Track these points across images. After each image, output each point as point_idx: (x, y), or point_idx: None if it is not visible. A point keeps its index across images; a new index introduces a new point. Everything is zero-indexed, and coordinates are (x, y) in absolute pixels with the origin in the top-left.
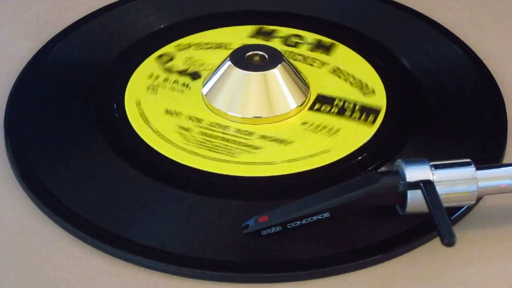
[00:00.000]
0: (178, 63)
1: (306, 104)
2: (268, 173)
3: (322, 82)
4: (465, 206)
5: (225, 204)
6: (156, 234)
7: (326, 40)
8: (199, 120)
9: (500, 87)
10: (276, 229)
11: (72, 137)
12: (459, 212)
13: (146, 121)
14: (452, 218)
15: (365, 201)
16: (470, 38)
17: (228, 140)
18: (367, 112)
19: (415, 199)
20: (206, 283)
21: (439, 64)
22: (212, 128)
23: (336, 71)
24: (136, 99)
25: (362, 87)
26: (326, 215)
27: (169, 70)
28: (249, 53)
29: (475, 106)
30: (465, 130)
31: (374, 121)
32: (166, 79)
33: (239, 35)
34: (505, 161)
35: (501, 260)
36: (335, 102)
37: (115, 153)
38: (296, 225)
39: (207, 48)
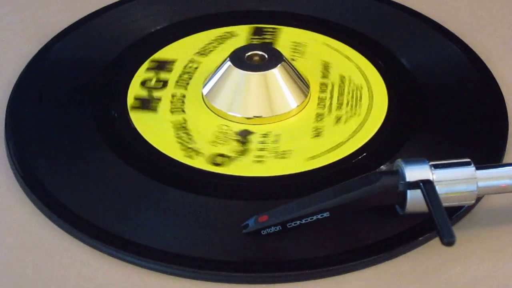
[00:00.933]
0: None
1: (307, 104)
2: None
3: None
4: (465, 206)
5: (225, 204)
6: (156, 234)
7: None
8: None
9: (500, 87)
10: (275, 228)
11: (72, 137)
12: (459, 212)
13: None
14: (452, 218)
15: (364, 200)
16: (470, 38)
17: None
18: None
19: (414, 199)
20: (206, 283)
21: (439, 64)
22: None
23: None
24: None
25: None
26: (325, 214)
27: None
28: (249, 53)
29: (475, 106)
30: (465, 130)
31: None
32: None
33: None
34: (505, 161)
35: (501, 260)
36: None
37: (115, 153)
38: (295, 224)
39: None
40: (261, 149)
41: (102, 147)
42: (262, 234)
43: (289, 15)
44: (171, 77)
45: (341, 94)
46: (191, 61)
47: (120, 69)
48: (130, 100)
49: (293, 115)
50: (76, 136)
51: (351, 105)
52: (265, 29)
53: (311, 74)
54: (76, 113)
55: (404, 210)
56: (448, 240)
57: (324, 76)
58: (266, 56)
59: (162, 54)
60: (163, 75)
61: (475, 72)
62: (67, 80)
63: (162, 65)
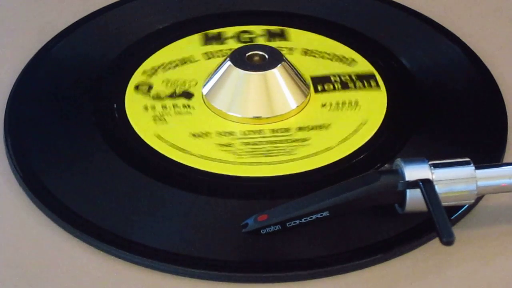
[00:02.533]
0: (161, 88)
1: (307, 104)
2: (314, 166)
3: (305, 66)
4: (466, 206)
5: (225, 204)
6: (156, 234)
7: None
8: (231, 133)
9: (500, 86)
10: (275, 228)
11: (72, 137)
12: (460, 211)
13: (183, 150)
14: (452, 217)
15: (364, 200)
16: (470, 38)
17: (274, 142)
18: (366, 79)
19: (414, 198)
20: (206, 283)
21: (439, 64)
22: (250, 136)
23: (308, 52)
24: (155, 133)
25: (341, 59)
26: (325, 214)
27: (158, 98)
28: (249, 53)
29: (475, 106)
30: (465, 130)
31: (378, 85)
32: (164, 106)
33: (193, 46)
34: (505, 161)
35: (501, 260)
36: (332, 79)
37: (115, 153)
38: (295, 224)
39: (174, 67)
40: (310, 140)
41: (102, 146)
42: (261, 234)
43: (301, 17)
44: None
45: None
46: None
47: (120, 69)
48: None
49: (293, 115)
50: (76, 136)
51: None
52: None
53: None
54: (76, 113)
55: (404, 210)
56: (448, 240)
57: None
58: (266, 56)
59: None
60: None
61: (475, 72)
62: (67, 80)
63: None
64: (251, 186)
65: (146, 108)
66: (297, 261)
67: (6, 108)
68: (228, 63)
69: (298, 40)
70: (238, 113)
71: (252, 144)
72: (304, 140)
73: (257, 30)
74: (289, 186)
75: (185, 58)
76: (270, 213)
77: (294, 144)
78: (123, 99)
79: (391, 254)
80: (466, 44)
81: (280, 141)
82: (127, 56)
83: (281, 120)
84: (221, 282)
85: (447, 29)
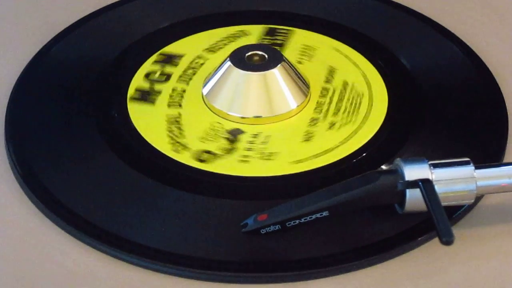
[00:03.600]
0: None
1: (307, 104)
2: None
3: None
4: (466, 206)
5: (225, 204)
6: (156, 234)
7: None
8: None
9: (500, 86)
10: (275, 227)
11: (72, 137)
12: (460, 211)
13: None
14: (452, 217)
15: (364, 199)
16: (470, 38)
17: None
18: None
19: (413, 198)
20: (206, 283)
21: (439, 64)
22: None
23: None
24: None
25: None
26: (325, 213)
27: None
28: (249, 53)
29: (475, 106)
30: (465, 130)
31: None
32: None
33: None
34: (505, 161)
35: (501, 260)
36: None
37: (115, 153)
38: (295, 224)
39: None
40: (248, 149)
41: (102, 146)
42: (261, 233)
43: (302, 17)
44: (176, 71)
45: (340, 100)
46: (198, 57)
47: (120, 69)
48: (131, 91)
49: (293, 116)
50: (76, 136)
51: (348, 112)
52: (278, 30)
53: (315, 78)
54: (76, 113)
55: (403, 210)
56: (447, 239)
57: (328, 81)
58: (266, 56)
59: (172, 48)
60: (168, 69)
61: (475, 72)
62: (67, 80)
63: (169, 59)
64: (251, 186)
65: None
66: (297, 261)
67: (6, 108)
68: (228, 63)
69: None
70: (238, 113)
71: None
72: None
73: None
74: (289, 186)
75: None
76: (270, 212)
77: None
78: (123, 99)
79: (391, 254)
80: (466, 44)
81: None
82: (127, 56)
83: (281, 120)
84: (221, 282)
85: (447, 29)
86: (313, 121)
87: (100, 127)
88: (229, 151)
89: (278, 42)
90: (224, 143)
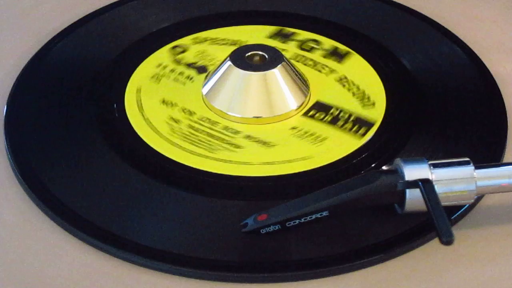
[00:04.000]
0: (190, 55)
1: (306, 105)
2: (243, 173)
3: (325, 90)
4: (465, 206)
5: (225, 204)
6: (156, 234)
7: (342, 47)
8: (191, 113)
9: (500, 86)
10: (275, 227)
11: (72, 137)
12: (460, 211)
13: (140, 108)
14: (452, 217)
15: (364, 199)
16: (470, 38)
17: (212, 136)
18: (360, 124)
19: (413, 198)
20: (206, 283)
21: (439, 64)
22: (201, 122)
23: (342, 80)
24: (138, 86)
25: (364, 98)
26: (325, 213)
27: (178, 62)
28: (249, 53)
29: (475, 106)
30: (465, 130)
31: (364, 134)
32: (172, 70)
33: (256, 35)
34: (505, 161)
35: (501, 260)
36: (331, 111)
37: (115, 153)
38: (295, 223)
39: (222, 44)
40: (242, 149)
41: (102, 146)
42: (261, 233)
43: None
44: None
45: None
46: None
47: (120, 69)
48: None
49: (292, 116)
50: (76, 136)
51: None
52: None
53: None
54: (75, 112)
55: (403, 210)
56: (447, 239)
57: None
58: (266, 56)
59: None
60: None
61: (475, 72)
62: (67, 80)
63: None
64: (251, 186)
65: (159, 65)
66: (297, 261)
67: (6, 108)
68: (228, 63)
69: (348, 66)
70: (238, 113)
71: (194, 129)
72: (237, 147)
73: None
74: (289, 186)
75: (237, 41)
76: (269, 212)
77: (225, 145)
78: (123, 99)
79: (391, 254)
80: (466, 44)
81: (218, 138)
82: (128, 55)
83: (281, 120)
84: (221, 282)
85: (447, 29)
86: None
87: (100, 127)
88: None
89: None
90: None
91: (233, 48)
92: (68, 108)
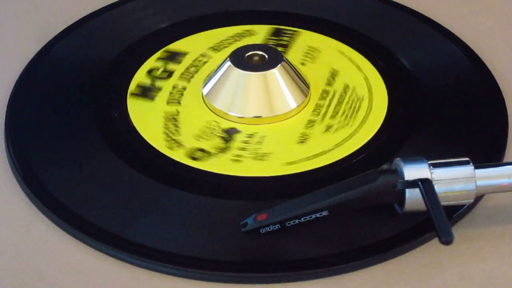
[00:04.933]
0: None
1: (307, 104)
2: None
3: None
4: (466, 206)
5: (225, 204)
6: (156, 234)
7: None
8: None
9: (500, 86)
10: (274, 227)
11: (73, 137)
12: (460, 211)
13: (173, 142)
14: (452, 217)
15: (363, 199)
16: (470, 38)
17: (249, 143)
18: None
19: (413, 198)
20: (205, 283)
21: (439, 64)
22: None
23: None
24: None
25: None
26: (324, 213)
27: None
28: (249, 53)
29: (476, 106)
30: (466, 130)
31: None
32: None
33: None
34: (505, 161)
35: (501, 260)
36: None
37: (115, 153)
38: (294, 223)
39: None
40: (242, 149)
41: (102, 147)
42: (261, 233)
43: (308, 18)
44: (178, 68)
45: (339, 103)
46: (202, 55)
47: (120, 69)
48: (132, 87)
49: (292, 116)
50: (76, 136)
51: (346, 116)
52: (285, 31)
53: (316, 80)
54: (76, 112)
55: (403, 209)
56: (446, 239)
57: (329, 83)
58: (266, 56)
59: (176, 46)
60: (171, 66)
61: (475, 72)
62: (67, 80)
63: (173, 56)
64: (251, 186)
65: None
66: (297, 261)
67: (6, 108)
68: (228, 63)
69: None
70: (238, 113)
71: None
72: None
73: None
74: (289, 186)
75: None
76: (269, 212)
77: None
78: (123, 99)
79: (391, 254)
80: (466, 44)
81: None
82: (128, 55)
83: (281, 121)
84: (221, 282)
85: (447, 29)
86: (310, 123)
87: (100, 127)
88: (223, 150)
89: (283, 43)
90: (219, 142)
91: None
92: (68, 108)
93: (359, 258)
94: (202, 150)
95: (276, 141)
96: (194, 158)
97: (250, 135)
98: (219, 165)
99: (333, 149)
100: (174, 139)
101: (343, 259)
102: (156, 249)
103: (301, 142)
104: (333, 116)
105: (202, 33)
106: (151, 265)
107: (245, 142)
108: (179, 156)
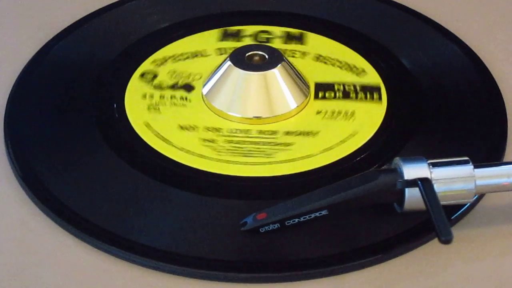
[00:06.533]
0: (164, 78)
1: (307, 104)
2: (307, 167)
3: (313, 71)
4: (466, 205)
5: (225, 204)
6: (156, 234)
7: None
8: (218, 130)
9: (500, 86)
10: (274, 226)
11: (72, 137)
12: (460, 211)
13: (166, 141)
14: (453, 217)
15: (363, 198)
16: (470, 38)
17: (257, 143)
18: (370, 90)
19: (412, 197)
20: (205, 283)
21: (439, 64)
22: (235, 134)
23: (320, 58)
24: (144, 121)
25: (352, 68)
26: (324, 212)
27: (159, 87)
28: (249, 53)
29: (475, 106)
30: (466, 130)
31: (380, 98)
32: (162, 96)
33: (209, 41)
34: (505, 161)
35: (501, 260)
36: (336, 87)
37: (115, 153)
38: (294, 222)
39: (184, 59)
40: (294, 145)
41: (102, 146)
42: (260, 232)
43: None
44: (165, 93)
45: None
46: (175, 74)
47: (120, 69)
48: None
49: (292, 116)
50: (76, 136)
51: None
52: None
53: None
54: (76, 113)
55: (402, 209)
56: (446, 238)
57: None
58: (266, 56)
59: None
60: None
61: (475, 72)
62: (67, 80)
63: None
64: (250, 186)
65: (144, 96)
66: (297, 261)
67: (6, 108)
68: (228, 63)
69: (314, 45)
70: (238, 113)
71: (235, 143)
72: (288, 144)
73: (277, 31)
74: (289, 186)
75: (197, 52)
76: (269, 211)
77: (276, 147)
78: (123, 99)
79: (391, 254)
80: (466, 44)
81: (264, 143)
82: (128, 55)
83: (281, 121)
84: (220, 282)
85: (447, 29)
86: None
87: (100, 127)
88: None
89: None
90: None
91: (197, 59)
92: (68, 108)
93: (359, 258)
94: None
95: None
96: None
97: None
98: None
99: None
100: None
101: (343, 259)
102: (155, 248)
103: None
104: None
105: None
106: (151, 265)
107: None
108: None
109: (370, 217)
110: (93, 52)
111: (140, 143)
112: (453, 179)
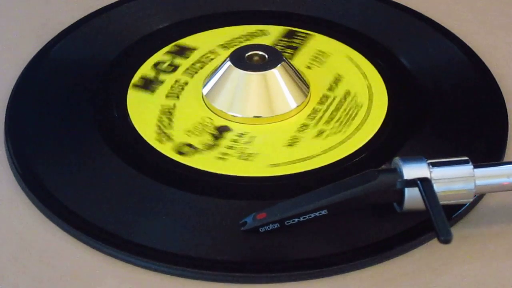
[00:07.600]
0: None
1: (306, 104)
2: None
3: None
4: (466, 205)
5: (225, 204)
6: (155, 234)
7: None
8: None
9: (500, 86)
10: (274, 226)
11: (73, 137)
12: (460, 210)
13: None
14: (453, 216)
15: (362, 198)
16: (470, 38)
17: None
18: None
19: (412, 197)
20: (205, 283)
21: (439, 64)
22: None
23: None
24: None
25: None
26: (323, 212)
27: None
28: (249, 53)
29: (475, 106)
30: (466, 130)
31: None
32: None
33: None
34: (505, 161)
35: (501, 259)
36: (335, 87)
37: (115, 153)
38: (293, 222)
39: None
40: (230, 147)
41: (102, 146)
42: (260, 232)
43: (323, 21)
44: (184, 63)
45: (337, 109)
46: (211, 52)
47: (120, 69)
48: (135, 78)
49: (293, 115)
50: (76, 136)
51: (341, 122)
52: (297, 33)
53: (319, 85)
54: (76, 113)
55: (402, 208)
56: (445, 238)
57: (330, 88)
58: (266, 56)
59: (187, 41)
60: (178, 60)
61: (475, 72)
62: (67, 80)
63: (182, 51)
64: (250, 186)
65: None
66: (297, 261)
67: (6, 108)
68: (228, 63)
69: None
70: (238, 113)
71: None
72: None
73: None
74: (289, 186)
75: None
76: (268, 211)
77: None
78: (123, 99)
79: (391, 254)
80: (466, 44)
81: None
82: (128, 55)
83: (281, 120)
84: (220, 282)
85: (447, 29)
86: (303, 127)
87: (100, 127)
88: (210, 147)
89: (294, 45)
90: (208, 139)
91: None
92: (69, 109)
93: (359, 258)
94: (190, 145)
95: (264, 143)
96: (181, 153)
97: (241, 135)
98: (198, 160)
99: (319, 154)
100: (164, 132)
101: (343, 259)
102: (156, 249)
103: (289, 145)
104: (327, 122)
105: (214, 30)
106: (151, 265)
107: (234, 141)
108: (166, 150)
109: (370, 217)
110: (93, 52)
111: (141, 143)
112: (452, 179)
